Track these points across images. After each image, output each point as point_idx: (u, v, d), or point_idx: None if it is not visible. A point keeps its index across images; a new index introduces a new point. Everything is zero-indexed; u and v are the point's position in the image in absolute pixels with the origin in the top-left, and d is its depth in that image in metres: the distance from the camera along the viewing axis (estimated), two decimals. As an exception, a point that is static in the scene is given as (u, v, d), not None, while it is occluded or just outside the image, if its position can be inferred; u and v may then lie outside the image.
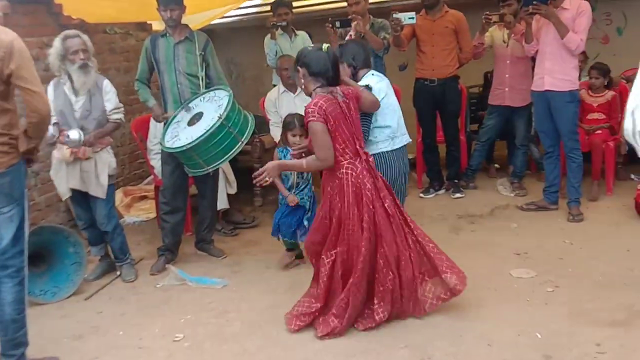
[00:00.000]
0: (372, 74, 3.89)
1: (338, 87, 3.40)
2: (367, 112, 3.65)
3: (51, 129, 4.03)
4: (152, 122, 5.20)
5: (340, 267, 3.39)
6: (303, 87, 3.53)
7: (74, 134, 4.10)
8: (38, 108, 2.97)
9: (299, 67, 3.44)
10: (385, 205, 3.39)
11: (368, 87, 3.69)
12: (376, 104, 3.67)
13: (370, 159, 3.46)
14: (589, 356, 3.05)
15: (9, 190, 3.02)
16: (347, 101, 3.38)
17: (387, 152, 3.80)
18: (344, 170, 3.35)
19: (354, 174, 3.34)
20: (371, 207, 3.35)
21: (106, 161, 4.32)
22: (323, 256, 3.44)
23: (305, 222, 4.32)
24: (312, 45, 3.48)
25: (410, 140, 3.97)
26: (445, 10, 5.61)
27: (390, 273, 3.38)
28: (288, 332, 3.48)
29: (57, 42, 4.16)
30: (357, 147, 3.38)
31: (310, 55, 3.41)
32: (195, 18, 6.09)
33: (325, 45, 3.42)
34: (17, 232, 3.06)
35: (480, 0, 6.13)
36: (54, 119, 4.02)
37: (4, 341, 3.10)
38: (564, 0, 4.76)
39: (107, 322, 3.85)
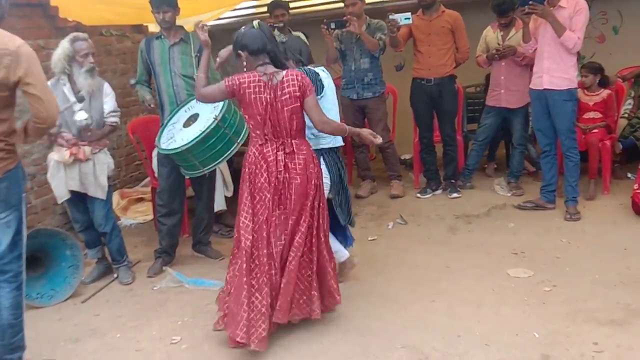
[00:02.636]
0: (323, 70, 3.92)
1: (284, 72, 3.29)
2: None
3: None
4: None
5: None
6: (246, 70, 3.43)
7: (81, 115, 4.17)
8: (45, 116, 2.95)
9: (239, 52, 3.35)
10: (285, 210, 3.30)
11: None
12: (322, 125, 3.43)
13: (295, 150, 3.33)
14: (586, 355, 3.06)
15: (5, 196, 3.00)
16: (277, 87, 3.25)
17: (332, 148, 3.85)
18: (250, 153, 3.34)
19: (253, 158, 3.31)
20: (266, 195, 3.27)
21: (105, 162, 4.33)
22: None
23: None
24: (245, 26, 3.38)
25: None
26: (442, 10, 5.62)
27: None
28: (288, 333, 3.47)
29: (65, 43, 4.18)
30: (273, 133, 3.28)
31: (245, 36, 3.31)
32: (190, 20, 6.09)
33: (256, 22, 3.35)
34: (15, 237, 3.04)
35: (477, 1, 6.13)
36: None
37: (1, 345, 3.08)
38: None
39: (105, 325, 3.85)
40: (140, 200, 6.19)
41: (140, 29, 6.71)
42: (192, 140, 4.02)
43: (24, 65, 2.86)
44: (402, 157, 6.79)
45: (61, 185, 4.28)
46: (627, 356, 3.03)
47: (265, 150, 3.30)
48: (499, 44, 5.64)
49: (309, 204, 3.34)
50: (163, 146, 4.26)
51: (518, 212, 5.25)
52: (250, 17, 7.35)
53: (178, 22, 4.59)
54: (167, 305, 4.03)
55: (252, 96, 3.25)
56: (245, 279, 3.22)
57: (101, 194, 4.29)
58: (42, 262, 4.26)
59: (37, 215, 5.15)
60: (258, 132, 3.32)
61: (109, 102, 4.36)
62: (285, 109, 3.28)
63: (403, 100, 6.19)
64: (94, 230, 4.43)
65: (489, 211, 5.34)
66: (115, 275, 4.54)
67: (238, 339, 3.18)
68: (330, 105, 3.80)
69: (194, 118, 4.25)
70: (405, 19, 5.24)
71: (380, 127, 5.82)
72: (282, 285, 3.29)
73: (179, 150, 4.08)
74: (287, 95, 3.28)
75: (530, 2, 4.66)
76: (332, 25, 5.37)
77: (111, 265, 4.60)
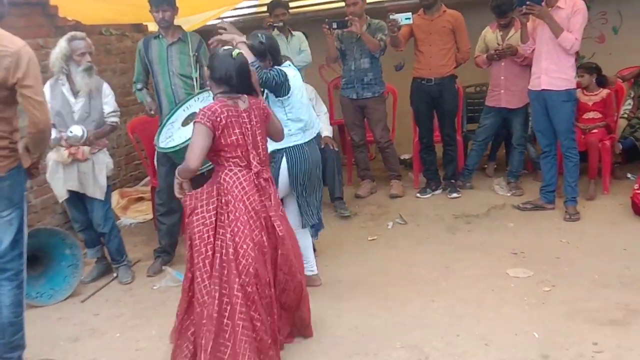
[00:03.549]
0: (289, 65, 3.92)
1: (246, 96, 3.18)
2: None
3: (54, 133, 4.05)
4: None
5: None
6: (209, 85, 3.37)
7: (77, 130, 4.13)
8: (39, 119, 2.96)
9: (207, 67, 3.30)
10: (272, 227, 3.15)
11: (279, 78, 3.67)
12: (280, 136, 3.49)
13: (266, 176, 3.21)
14: (586, 355, 3.06)
15: (8, 194, 3.02)
16: (250, 112, 3.15)
17: (300, 144, 3.83)
18: (223, 176, 3.11)
19: (230, 182, 3.09)
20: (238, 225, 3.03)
21: (104, 162, 4.33)
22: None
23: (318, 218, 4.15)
24: (226, 48, 3.25)
25: (319, 131, 4.03)
26: (443, 10, 5.61)
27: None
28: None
29: (62, 42, 4.17)
30: (251, 158, 3.13)
31: (215, 60, 3.18)
32: (190, 19, 6.09)
33: (236, 52, 3.19)
34: (17, 236, 3.06)
35: (478, 1, 6.13)
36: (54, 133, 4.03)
37: (1, 344, 3.09)
38: (558, 0, 4.76)
39: (104, 324, 3.85)
40: (140, 199, 6.19)
41: (139, 28, 6.70)
42: (189, 138, 4.02)
43: (23, 68, 2.87)
44: (402, 157, 6.79)
45: (60, 185, 4.28)
46: (627, 356, 3.04)
47: (246, 176, 3.12)
48: (498, 44, 5.64)
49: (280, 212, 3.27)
50: (161, 145, 4.27)
51: (518, 212, 5.25)
52: (250, 16, 7.36)
53: (177, 21, 4.60)
54: (166, 305, 4.02)
55: (229, 120, 3.05)
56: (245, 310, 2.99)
57: (100, 194, 4.29)
58: (42, 261, 4.27)
59: (37, 214, 5.14)
60: (238, 159, 3.11)
61: (109, 102, 4.37)
62: (258, 132, 3.18)
63: (403, 100, 6.19)
64: (94, 229, 4.43)
65: (489, 211, 5.34)
66: (114, 275, 4.55)
67: None
68: (298, 104, 3.80)
69: (192, 117, 4.24)
70: (406, 18, 5.25)
71: (380, 127, 5.83)
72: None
73: (177, 148, 4.09)
74: (257, 119, 3.18)
75: (528, 3, 4.66)
76: (334, 25, 5.38)
77: (111, 265, 4.60)
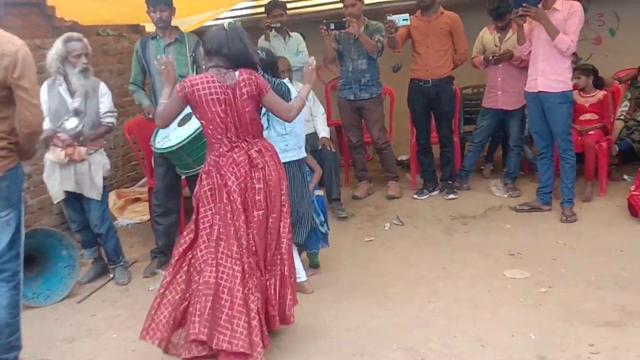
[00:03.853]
0: (289, 82, 4.03)
1: (237, 72, 3.14)
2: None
3: (47, 124, 4.04)
4: None
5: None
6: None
7: (71, 123, 4.12)
8: (31, 121, 2.96)
9: (201, 48, 3.30)
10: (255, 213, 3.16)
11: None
12: (285, 115, 3.38)
13: (257, 149, 3.19)
14: (582, 357, 3.06)
15: (6, 194, 3.01)
16: (236, 88, 3.11)
17: (295, 160, 3.91)
18: (215, 152, 3.14)
19: (221, 157, 3.11)
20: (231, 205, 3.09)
21: (100, 163, 4.32)
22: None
23: (322, 229, 4.17)
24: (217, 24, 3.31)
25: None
26: (441, 11, 5.62)
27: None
28: (284, 334, 3.47)
29: (58, 44, 4.16)
30: (237, 135, 3.14)
31: (207, 36, 3.20)
32: (188, 20, 6.09)
33: (226, 23, 3.22)
34: (14, 236, 3.05)
35: (476, 2, 6.15)
36: (46, 123, 4.02)
37: (-3, 345, 3.09)
38: (555, 2, 4.77)
39: (101, 325, 3.85)
40: (137, 200, 6.19)
41: (137, 28, 6.70)
42: (186, 138, 4.04)
43: (20, 68, 2.87)
44: (399, 158, 6.79)
45: (56, 185, 4.27)
46: (623, 358, 3.04)
47: (234, 155, 3.13)
48: (496, 46, 5.64)
49: (281, 202, 3.27)
50: (158, 145, 4.27)
51: (514, 214, 5.26)
52: (248, 17, 7.37)
53: (175, 22, 4.60)
54: (163, 306, 4.02)
55: (209, 97, 3.07)
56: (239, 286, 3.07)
57: (96, 195, 4.29)
58: (39, 262, 4.26)
59: (34, 215, 5.13)
60: (219, 136, 3.13)
61: (105, 102, 4.35)
62: (246, 109, 3.16)
63: (400, 101, 6.20)
64: (91, 230, 4.43)
65: (486, 212, 5.35)
66: (111, 276, 4.54)
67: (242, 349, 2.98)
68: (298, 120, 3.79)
69: (188, 117, 4.25)
70: (403, 19, 5.26)
71: (378, 128, 5.84)
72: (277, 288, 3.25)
73: (173, 148, 4.09)
74: (246, 95, 3.14)
75: (524, 5, 4.67)
76: (332, 26, 5.39)
77: (107, 266, 4.59)
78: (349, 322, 3.58)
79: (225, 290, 3.03)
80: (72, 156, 4.16)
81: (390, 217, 5.41)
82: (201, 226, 3.15)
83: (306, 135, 4.28)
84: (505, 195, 5.71)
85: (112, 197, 5.85)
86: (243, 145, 3.17)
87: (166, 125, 3.32)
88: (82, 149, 4.20)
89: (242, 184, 3.12)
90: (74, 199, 4.34)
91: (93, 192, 4.28)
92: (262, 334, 3.08)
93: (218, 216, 3.10)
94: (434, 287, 3.97)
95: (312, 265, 4.32)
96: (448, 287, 3.96)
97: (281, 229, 3.27)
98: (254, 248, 3.14)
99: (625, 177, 5.83)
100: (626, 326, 3.32)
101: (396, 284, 4.06)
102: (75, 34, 4.25)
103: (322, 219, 4.21)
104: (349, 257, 4.58)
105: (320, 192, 4.33)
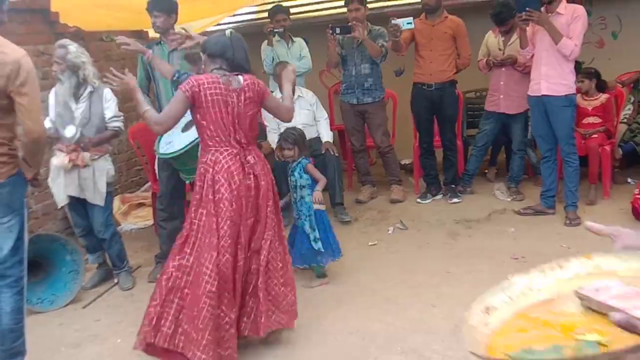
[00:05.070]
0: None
1: (241, 76, 3.19)
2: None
3: (48, 123, 4.05)
4: None
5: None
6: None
7: (69, 132, 4.15)
8: (31, 129, 2.98)
9: (201, 54, 3.33)
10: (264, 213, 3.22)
11: None
12: (285, 116, 3.50)
13: (253, 156, 3.23)
14: (586, 360, 3.05)
15: (8, 201, 3.02)
16: (240, 92, 3.15)
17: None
18: (210, 156, 3.13)
19: (217, 162, 3.11)
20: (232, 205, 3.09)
21: (104, 168, 4.33)
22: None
23: (315, 245, 4.07)
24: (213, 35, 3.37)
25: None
26: (445, 15, 5.63)
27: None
28: (287, 338, 3.47)
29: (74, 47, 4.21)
30: (235, 139, 3.14)
31: (210, 40, 3.30)
32: (191, 26, 6.10)
33: (228, 31, 3.26)
34: (17, 242, 3.06)
35: (480, 7, 6.15)
36: (49, 123, 4.04)
37: (1, 350, 3.09)
38: (558, 6, 4.77)
39: (105, 330, 3.85)
40: (141, 205, 6.19)
41: (140, 34, 6.70)
42: (189, 144, 4.04)
43: (22, 76, 2.89)
44: (402, 162, 6.79)
45: (60, 190, 4.29)
46: None
47: (230, 162, 3.12)
48: (500, 49, 5.65)
49: (270, 208, 3.28)
50: (162, 151, 4.28)
51: (518, 217, 5.25)
52: (251, 22, 7.39)
53: (177, 27, 4.60)
54: (167, 310, 4.02)
55: (214, 97, 3.07)
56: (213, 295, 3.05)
57: (100, 201, 4.29)
58: (43, 267, 4.27)
59: (38, 220, 5.15)
60: (219, 138, 3.13)
61: (111, 107, 4.35)
62: (248, 113, 3.20)
63: (403, 105, 6.20)
64: (95, 235, 4.43)
65: (489, 216, 5.34)
66: (115, 281, 4.54)
67: None
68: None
69: (191, 123, 4.25)
70: (408, 23, 5.27)
71: (380, 132, 5.85)
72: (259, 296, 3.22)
73: (177, 154, 4.10)
74: (249, 100, 3.19)
75: (528, 9, 4.67)
76: (337, 30, 5.41)
77: (112, 271, 4.60)
78: (352, 325, 3.58)
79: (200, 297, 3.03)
80: (75, 161, 4.18)
81: (393, 221, 5.41)
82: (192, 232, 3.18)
83: (309, 140, 4.30)
84: (509, 199, 5.70)
85: (116, 202, 5.85)
86: (239, 149, 3.18)
87: (168, 128, 3.29)
88: (86, 155, 4.21)
89: (235, 192, 3.11)
90: (78, 204, 4.35)
91: (96, 198, 4.29)
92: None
93: (200, 223, 3.11)
94: (437, 291, 3.96)
95: (318, 275, 4.30)
96: (452, 290, 3.95)
97: (263, 241, 3.24)
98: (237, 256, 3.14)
99: (629, 180, 5.82)
100: (631, 329, 3.31)
101: (400, 288, 4.06)
102: (60, 41, 4.25)
103: (317, 235, 4.09)
104: (353, 261, 4.57)
105: (321, 207, 4.22)
